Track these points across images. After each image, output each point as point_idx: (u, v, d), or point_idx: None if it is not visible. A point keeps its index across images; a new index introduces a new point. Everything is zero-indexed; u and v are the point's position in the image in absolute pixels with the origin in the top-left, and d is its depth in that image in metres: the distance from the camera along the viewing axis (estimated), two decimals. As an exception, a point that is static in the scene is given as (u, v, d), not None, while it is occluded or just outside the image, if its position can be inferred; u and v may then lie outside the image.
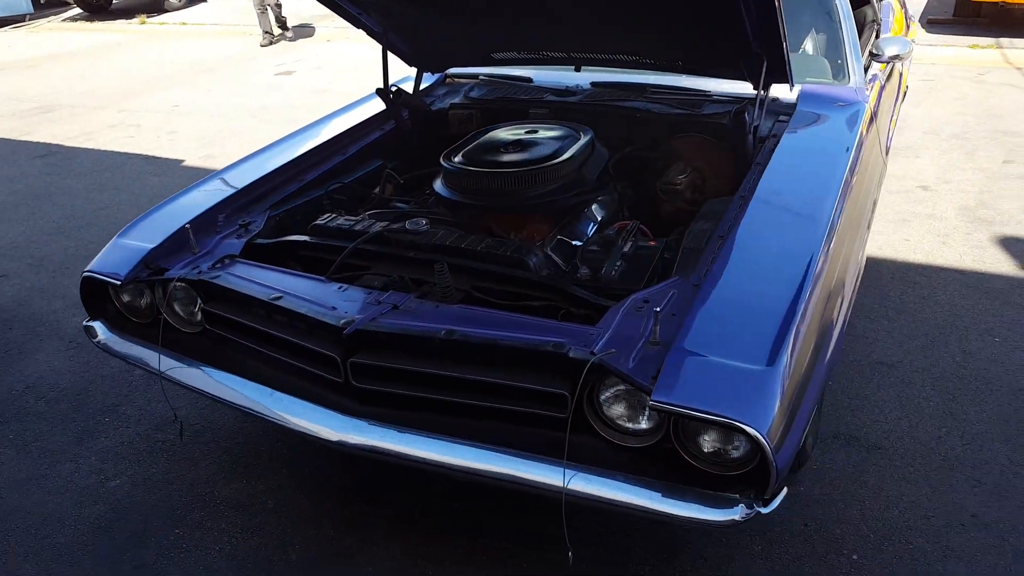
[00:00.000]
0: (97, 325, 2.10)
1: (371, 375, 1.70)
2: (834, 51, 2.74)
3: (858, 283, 2.18)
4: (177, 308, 2.03)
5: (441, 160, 2.24)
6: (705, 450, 1.49)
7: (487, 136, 2.39)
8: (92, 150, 5.48)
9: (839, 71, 2.67)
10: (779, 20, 1.91)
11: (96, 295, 2.08)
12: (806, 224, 1.85)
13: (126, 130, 5.90)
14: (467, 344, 1.60)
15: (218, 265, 1.96)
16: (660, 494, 1.48)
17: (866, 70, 2.80)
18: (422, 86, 2.91)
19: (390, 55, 2.62)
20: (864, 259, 2.44)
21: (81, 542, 2.12)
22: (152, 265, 1.99)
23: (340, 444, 1.70)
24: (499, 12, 2.32)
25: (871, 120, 2.54)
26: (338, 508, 2.18)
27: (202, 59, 8.29)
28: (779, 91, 2.50)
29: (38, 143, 5.71)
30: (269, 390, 1.84)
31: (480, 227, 2.24)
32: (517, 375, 1.58)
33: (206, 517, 2.17)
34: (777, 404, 1.39)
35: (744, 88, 2.32)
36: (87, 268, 2.04)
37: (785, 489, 1.45)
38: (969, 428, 2.39)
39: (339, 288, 1.82)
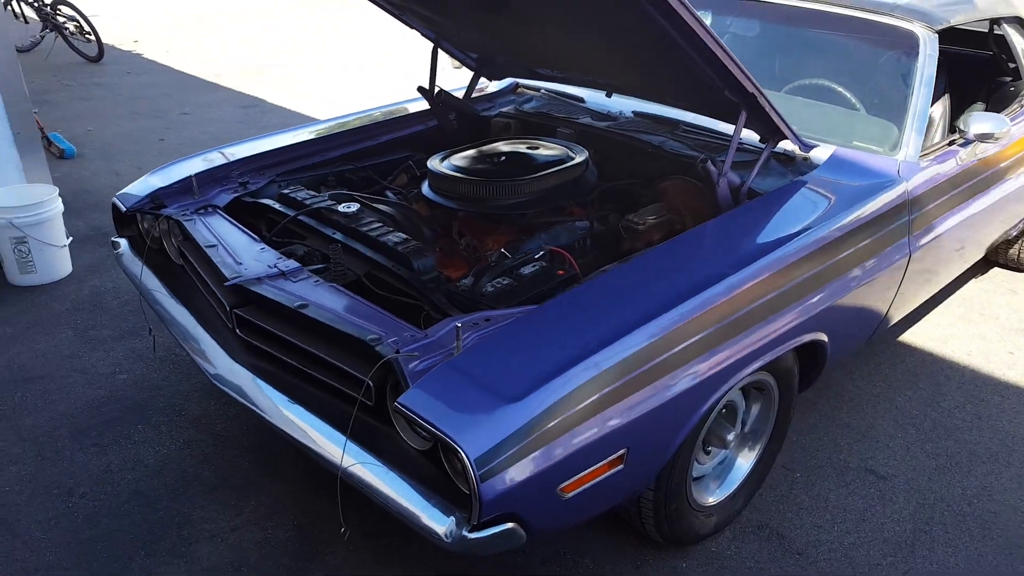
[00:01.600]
0: (122, 242, 2.51)
1: (249, 327, 1.90)
2: (899, 118, 2.45)
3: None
4: (168, 240, 2.38)
5: (428, 161, 2.39)
6: (456, 465, 1.50)
7: (488, 146, 2.50)
8: (286, 109, 6.29)
9: (898, 142, 2.39)
10: (727, 65, 1.81)
11: (122, 218, 2.49)
12: (657, 292, 1.74)
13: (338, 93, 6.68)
14: (312, 319, 1.74)
15: (200, 211, 2.27)
16: (406, 492, 1.50)
17: (953, 146, 2.48)
18: (494, 89, 3.08)
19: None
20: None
21: (71, 413, 2.56)
22: (156, 201, 2.34)
23: (215, 378, 1.92)
24: (521, 35, 2.41)
25: (912, 207, 2.25)
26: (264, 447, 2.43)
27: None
28: (819, 152, 2.33)
29: (247, 95, 6.69)
30: (195, 322, 2.11)
31: (453, 228, 2.36)
32: (339, 356, 1.69)
33: (168, 424, 2.52)
34: (505, 436, 1.38)
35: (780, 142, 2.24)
36: (116, 194, 2.45)
37: (511, 525, 1.42)
38: (921, 570, 2.06)
39: (260, 248, 2.04)
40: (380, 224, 2.07)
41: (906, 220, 2.24)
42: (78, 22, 7.65)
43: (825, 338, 2.05)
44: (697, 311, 1.68)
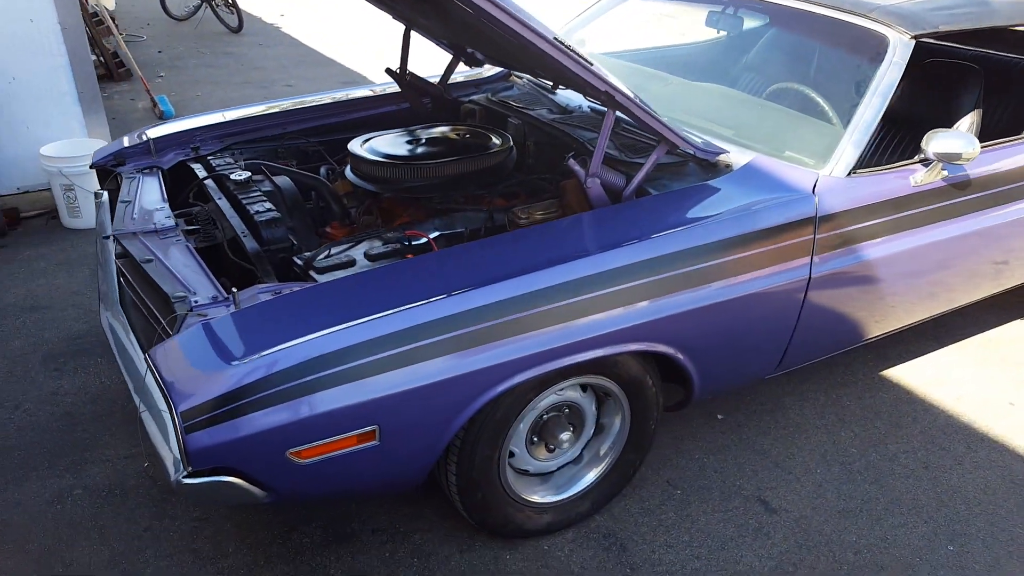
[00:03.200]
0: (104, 194, 2.81)
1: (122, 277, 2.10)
2: (839, 129, 2.25)
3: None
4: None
5: (351, 142, 2.48)
6: None
7: (419, 129, 2.57)
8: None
9: (829, 155, 2.20)
10: (561, 61, 1.76)
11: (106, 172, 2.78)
12: (455, 277, 1.73)
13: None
14: (140, 269, 1.92)
15: (145, 171, 2.51)
16: (165, 434, 1.60)
17: (911, 166, 2.24)
18: (487, 75, 3.14)
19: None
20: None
21: (51, 341, 2.90)
22: (119, 158, 2.61)
23: (104, 323, 2.14)
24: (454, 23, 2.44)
25: (822, 226, 2.07)
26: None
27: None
28: (739, 159, 2.20)
29: (356, 73, 7.05)
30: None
31: (367, 207, 2.46)
32: (158, 309, 1.84)
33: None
34: (217, 395, 1.47)
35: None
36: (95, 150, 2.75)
37: (231, 479, 1.51)
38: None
39: (158, 208, 2.23)
40: (260, 195, 2.20)
41: (810, 239, 2.07)
42: None
43: (677, 353, 1.95)
44: (482, 301, 1.67)
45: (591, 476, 2.11)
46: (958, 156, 2.18)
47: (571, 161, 2.03)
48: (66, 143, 3.73)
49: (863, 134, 2.20)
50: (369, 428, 1.60)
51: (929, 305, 2.53)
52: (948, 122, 2.83)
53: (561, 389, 1.95)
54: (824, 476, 2.36)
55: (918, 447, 2.50)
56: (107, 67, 6.47)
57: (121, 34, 8.18)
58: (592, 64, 1.92)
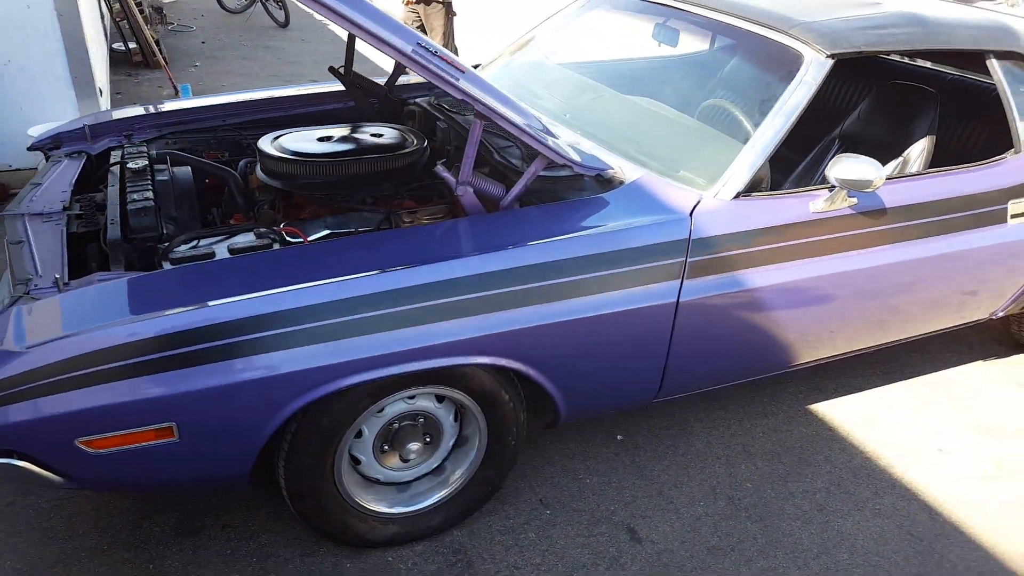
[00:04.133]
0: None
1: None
2: (734, 150, 2.15)
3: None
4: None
5: (262, 139, 2.51)
6: None
7: (337, 128, 2.57)
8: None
9: (718, 176, 2.11)
10: (404, 63, 1.74)
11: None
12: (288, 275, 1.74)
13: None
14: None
15: (72, 155, 2.60)
16: None
17: (813, 192, 2.13)
18: None
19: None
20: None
21: None
22: (56, 142, 2.71)
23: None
24: None
25: (696, 250, 1.98)
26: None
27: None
28: (629, 175, 2.14)
29: (386, 74, 7.13)
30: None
31: (271, 202, 2.49)
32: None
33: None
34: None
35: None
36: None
37: (16, 461, 1.55)
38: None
39: (62, 191, 2.30)
40: (147, 184, 2.24)
41: (680, 262, 1.99)
42: None
43: (528, 369, 1.91)
44: (300, 303, 1.67)
45: (444, 490, 2.08)
46: (862, 184, 2.06)
47: (439, 168, 2.01)
48: (55, 124, 3.89)
49: (758, 156, 2.10)
50: (166, 425, 1.61)
51: (834, 342, 2.39)
52: (904, 147, 2.69)
53: (411, 398, 1.94)
54: (706, 509, 2.27)
55: (820, 488, 2.37)
56: (143, 55, 6.73)
57: (170, 24, 8.52)
58: (459, 74, 1.89)
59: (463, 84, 1.86)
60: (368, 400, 1.83)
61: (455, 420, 2.04)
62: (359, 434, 1.94)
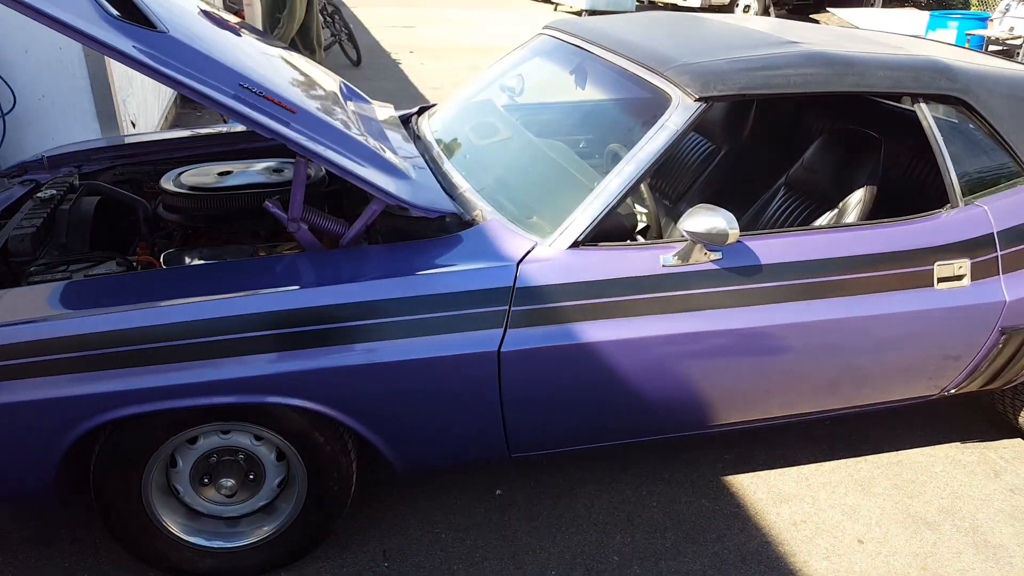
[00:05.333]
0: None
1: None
2: (582, 196, 2.04)
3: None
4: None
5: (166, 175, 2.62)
6: None
7: (241, 163, 2.67)
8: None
9: (559, 223, 2.00)
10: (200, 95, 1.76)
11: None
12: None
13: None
14: None
15: (25, 182, 2.83)
16: None
17: (668, 245, 1.98)
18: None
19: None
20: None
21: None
22: (20, 169, 2.95)
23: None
24: None
25: (521, 299, 1.89)
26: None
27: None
28: (487, 216, 2.09)
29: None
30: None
31: (168, 232, 2.58)
32: None
33: None
34: None
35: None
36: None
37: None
38: None
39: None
40: (43, 212, 2.38)
41: (503, 311, 1.89)
42: (349, 32, 9.27)
43: (332, 412, 1.86)
44: (96, 328, 1.72)
45: (265, 530, 2.05)
46: (714, 237, 1.90)
47: (268, 204, 2.03)
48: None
49: (602, 203, 1.98)
50: (-57, 437, 1.70)
51: (714, 409, 2.17)
52: (843, 196, 2.47)
53: (226, 432, 1.94)
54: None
55: (695, 571, 2.15)
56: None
57: None
58: (289, 115, 1.91)
59: (285, 130, 1.85)
60: (167, 430, 1.85)
61: (278, 460, 2.02)
62: (174, 464, 1.96)
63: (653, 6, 13.81)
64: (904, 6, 13.23)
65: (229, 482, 1.99)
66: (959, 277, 2.16)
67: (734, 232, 1.89)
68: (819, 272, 2.06)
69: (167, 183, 2.46)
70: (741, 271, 2.01)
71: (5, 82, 4.21)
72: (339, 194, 2.54)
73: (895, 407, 2.49)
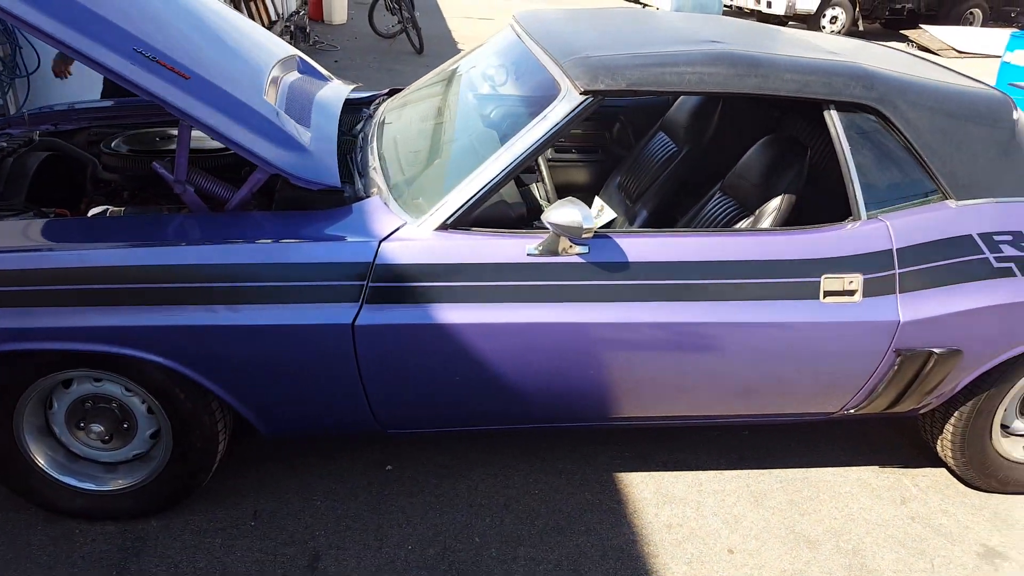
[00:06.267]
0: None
1: None
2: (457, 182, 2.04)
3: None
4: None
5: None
6: None
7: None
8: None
9: (430, 205, 2.02)
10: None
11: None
12: None
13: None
14: None
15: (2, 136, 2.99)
16: None
17: (539, 233, 1.98)
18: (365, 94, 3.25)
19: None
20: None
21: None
22: (4, 124, 3.11)
23: None
24: None
25: (379, 276, 1.92)
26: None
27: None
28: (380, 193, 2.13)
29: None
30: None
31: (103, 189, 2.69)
32: None
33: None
34: None
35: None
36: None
37: None
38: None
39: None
40: None
41: (359, 286, 1.92)
42: (413, 20, 9.39)
43: (184, 369, 1.93)
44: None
45: (132, 479, 2.15)
46: (570, 229, 1.89)
47: (156, 165, 2.10)
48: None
49: (473, 189, 1.99)
50: None
51: (584, 403, 2.16)
52: (765, 202, 2.42)
53: (98, 380, 2.03)
54: (409, 554, 2.14)
55: (550, 560, 2.16)
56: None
57: (317, 43, 9.35)
58: (183, 81, 1.97)
59: (165, 94, 1.91)
60: (37, 371, 1.95)
61: (149, 412, 2.11)
62: (51, 405, 2.06)
63: (740, 12, 13.48)
64: (1012, 26, 12.56)
65: (98, 428, 2.09)
66: (850, 292, 2.09)
67: (589, 227, 1.87)
68: (688, 275, 2.03)
69: (106, 144, 2.57)
70: (607, 266, 2.00)
71: (30, 43, 4.39)
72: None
73: (799, 421, 2.44)
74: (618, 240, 2.02)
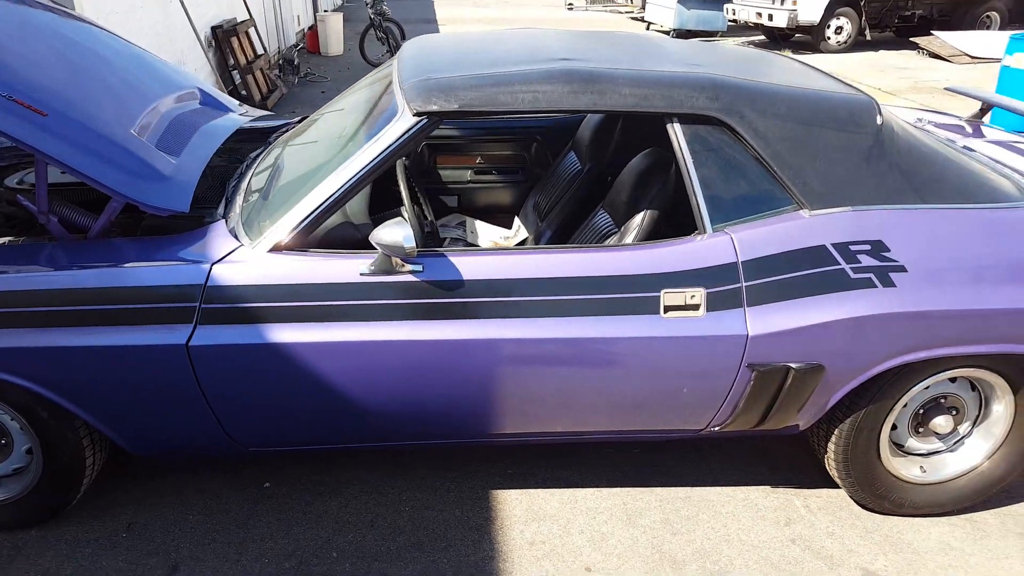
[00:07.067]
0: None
1: None
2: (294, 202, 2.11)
3: None
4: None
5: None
6: None
7: None
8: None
9: (266, 228, 2.09)
10: None
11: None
12: None
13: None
14: None
15: None
16: None
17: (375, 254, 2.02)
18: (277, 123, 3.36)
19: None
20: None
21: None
22: None
23: None
24: None
25: (213, 298, 1.99)
26: None
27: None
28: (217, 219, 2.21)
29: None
30: None
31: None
32: None
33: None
34: None
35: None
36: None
37: None
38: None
39: None
40: None
41: (193, 307, 2.00)
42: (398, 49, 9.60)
43: (44, 392, 2.03)
44: None
45: (11, 491, 2.26)
46: (393, 249, 1.94)
47: (20, 198, 2.23)
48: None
49: (305, 211, 2.05)
50: None
51: (409, 421, 2.18)
52: (632, 216, 2.42)
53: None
54: (267, 568, 2.19)
55: (404, 575, 2.18)
56: (248, 98, 7.67)
57: (306, 75, 9.56)
58: (39, 118, 2.09)
59: (17, 133, 2.01)
60: None
61: (23, 429, 2.21)
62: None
63: (747, 28, 13.32)
64: (1025, 29, 12.06)
65: None
66: (693, 307, 2.07)
67: (410, 247, 1.91)
68: (522, 292, 2.04)
69: (9, 180, 2.72)
70: (440, 284, 2.02)
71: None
72: None
73: (670, 438, 2.41)
74: (452, 259, 2.05)
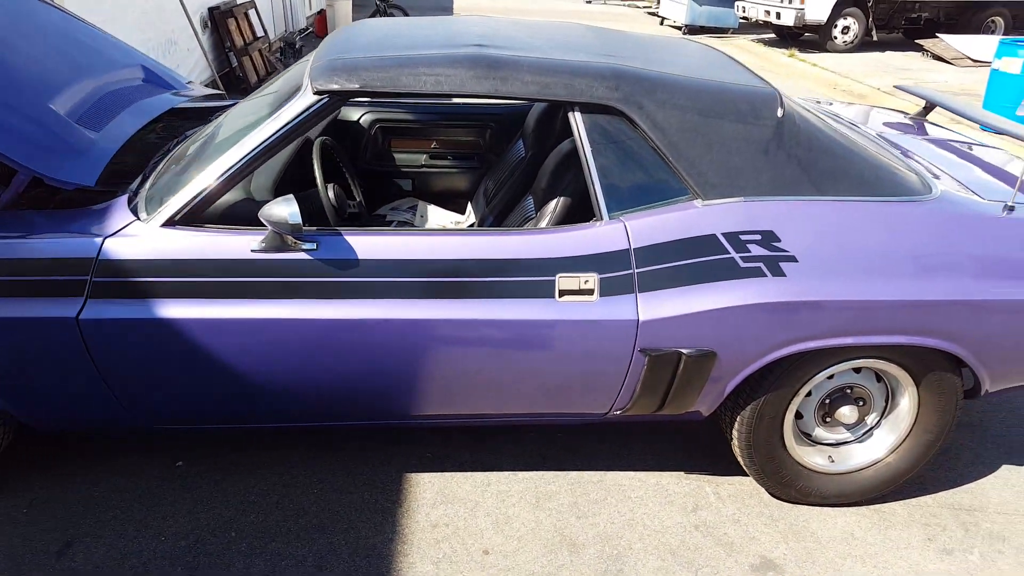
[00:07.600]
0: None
1: None
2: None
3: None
4: None
5: None
6: None
7: None
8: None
9: (160, 203, 2.10)
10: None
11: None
12: None
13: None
14: None
15: None
16: None
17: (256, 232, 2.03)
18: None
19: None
20: None
21: None
22: None
23: None
24: None
25: (101, 271, 2.00)
26: None
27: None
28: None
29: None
30: None
31: None
32: None
33: None
34: None
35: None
36: None
37: None
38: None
39: None
40: None
41: (83, 280, 2.00)
42: None
43: None
44: None
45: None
46: (279, 224, 1.95)
47: None
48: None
49: (200, 186, 2.06)
50: None
51: (306, 401, 2.19)
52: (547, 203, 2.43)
53: None
54: (158, 546, 2.19)
55: (300, 555, 2.18)
56: (244, 79, 7.67)
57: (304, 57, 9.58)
58: None
59: None
60: None
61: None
62: None
63: (757, 25, 13.36)
64: (1034, 36, 12.15)
65: None
66: (587, 292, 2.08)
67: (296, 224, 1.92)
68: (417, 272, 2.05)
69: None
70: (334, 263, 2.03)
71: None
72: None
73: (577, 422, 2.42)
74: (348, 237, 2.06)
